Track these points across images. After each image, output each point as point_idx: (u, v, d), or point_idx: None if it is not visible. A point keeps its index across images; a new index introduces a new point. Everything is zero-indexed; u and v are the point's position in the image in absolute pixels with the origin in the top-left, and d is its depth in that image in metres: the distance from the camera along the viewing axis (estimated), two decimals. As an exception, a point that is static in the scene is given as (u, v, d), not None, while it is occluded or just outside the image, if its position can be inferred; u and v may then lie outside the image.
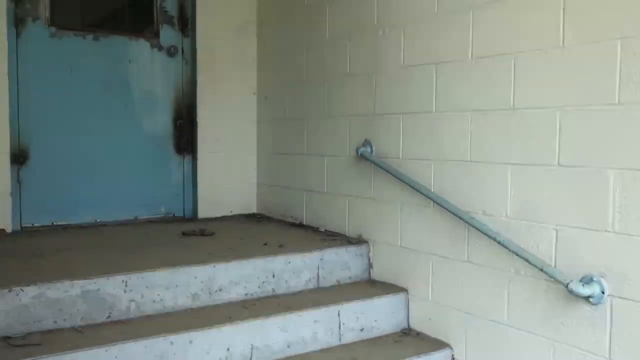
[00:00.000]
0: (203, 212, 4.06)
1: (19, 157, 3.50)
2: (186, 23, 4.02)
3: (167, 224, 3.85)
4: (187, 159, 4.08)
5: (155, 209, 3.99)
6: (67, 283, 2.38)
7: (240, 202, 4.21)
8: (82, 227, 3.68)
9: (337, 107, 3.46)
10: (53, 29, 3.58)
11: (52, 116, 3.59)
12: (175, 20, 4.00)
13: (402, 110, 3.00)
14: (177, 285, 2.62)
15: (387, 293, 2.95)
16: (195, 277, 2.67)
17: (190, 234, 3.41)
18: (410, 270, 2.97)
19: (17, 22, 3.46)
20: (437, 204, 2.73)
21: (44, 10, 3.54)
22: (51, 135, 3.60)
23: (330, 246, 3.13)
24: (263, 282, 2.86)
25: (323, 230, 3.54)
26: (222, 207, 4.14)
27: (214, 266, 2.73)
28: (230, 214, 4.17)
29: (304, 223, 3.77)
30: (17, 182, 3.50)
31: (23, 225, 3.53)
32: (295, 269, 2.96)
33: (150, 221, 3.92)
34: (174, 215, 4.05)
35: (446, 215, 2.72)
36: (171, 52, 3.96)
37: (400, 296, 2.96)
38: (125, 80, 3.83)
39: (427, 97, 2.85)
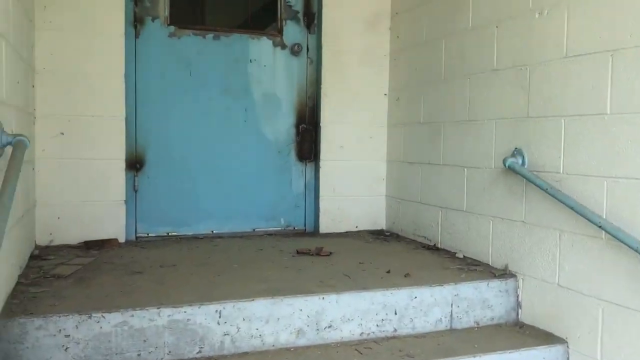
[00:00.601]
0: (325, 226, 3.67)
1: (135, 164, 3.35)
2: (312, 18, 3.66)
3: (284, 238, 3.51)
4: (309, 167, 3.72)
5: (274, 221, 3.66)
6: (153, 310, 2.09)
7: (366, 216, 3.76)
8: (197, 238, 3.45)
9: (481, 109, 2.88)
10: (172, 28, 3.39)
11: (169, 120, 3.41)
12: (301, 16, 3.65)
13: (563, 112, 2.36)
14: (278, 319, 2.23)
15: (540, 343, 2.33)
16: (301, 310, 2.26)
17: (305, 252, 3.02)
18: (571, 316, 2.32)
19: (136, 21, 3.31)
20: (610, 234, 2.08)
21: (164, 8, 3.36)
22: (168, 140, 3.41)
23: (468, 278, 2.57)
24: (382, 320, 2.38)
25: (461, 256, 2.98)
26: (346, 222, 3.71)
27: (323, 297, 2.31)
28: (355, 229, 3.74)
29: (438, 246, 3.22)
30: (133, 189, 3.35)
31: (138, 235, 3.38)
32: (423, 305, 2.44)
33: (268, 234, 3.61)
34: (294, 228, 3.70)
35: (623, 250, 2.06)
36: (295, 50, 3.62)
37: (557, 349, 2.32)
38: (245, 82, 3.55)
39: (598, 94, 2.20)
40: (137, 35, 3.31)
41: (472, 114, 2.94)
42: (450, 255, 3.03)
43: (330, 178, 3.68)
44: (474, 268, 2.75)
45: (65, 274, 2.52)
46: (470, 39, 2.96)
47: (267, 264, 2.80)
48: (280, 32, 3.62)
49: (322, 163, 3.66)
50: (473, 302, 2.53)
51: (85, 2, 3.13)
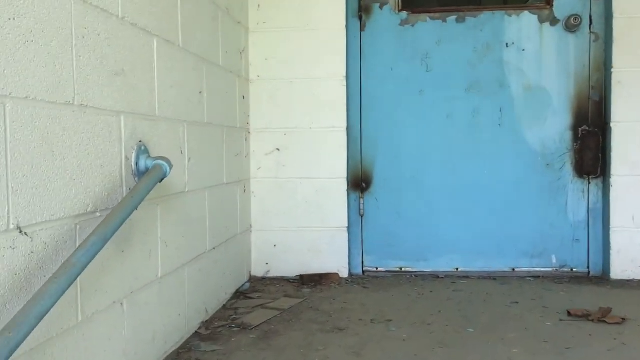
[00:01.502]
0: (619, 270, 2.57)
1: (359, 183, 2.77)
2: (596, -22, 2.62)
3: (555, 285, 2.53)
4: (594, 185, 2.66)
5: (541, 259, 2.70)
6: (325, 404, 1.44)
7: (688, 258, 2.54)
8: (436, 277, 2.71)
9: None
10: (404, 15, 2.73)
11: (399, 129, 2.75)
12: (581, -23, 2.65)
13: None
14: None
15: None
16: None
17: (581, 316, 2.04)
18: None
19: (361, 11, 2.74)
20: None
21: (394, -9, 2.73)
22: (398, 153, 2.75)
23: None
24: None
25: None
26: (653, 265, 2.56)
27: (600, 415, 1.37)
28: (669, 276, 2.55)
29: None
30: (358, 214, 2.77)
31: (365, 269, 2.79)
32: None
33: (532, 276, 2.67)
34: (571, 270, 2.69)
35: None
36: (571, 24, 2.63)
37: None
38: (499, 73, 2.69)
39: None
40: (362, 28, 2.74)
41: None
42: None
43: (627, 201, 2.57)
44: None
45: (253, 324, 2.05)
46: None
47: (516, 332, 1.91)
48: (549, 2, 2.67)
49: (613, 180, 2.58)
50: None
51: (302, -4, 2.69)
